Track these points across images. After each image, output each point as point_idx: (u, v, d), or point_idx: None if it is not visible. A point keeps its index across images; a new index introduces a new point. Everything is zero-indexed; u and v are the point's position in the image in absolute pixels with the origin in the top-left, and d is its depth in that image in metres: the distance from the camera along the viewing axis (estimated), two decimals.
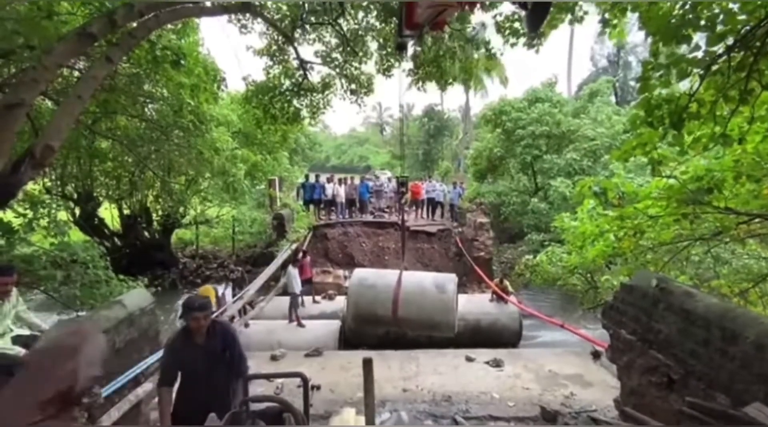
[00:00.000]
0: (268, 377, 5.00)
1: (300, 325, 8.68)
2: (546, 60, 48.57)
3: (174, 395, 2.94)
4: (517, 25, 7.07)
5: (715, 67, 3.20)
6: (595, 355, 6.76)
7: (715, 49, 3.16)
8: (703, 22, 3.19)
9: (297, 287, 8.95)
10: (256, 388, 5.47)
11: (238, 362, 2.97)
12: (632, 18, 4.94)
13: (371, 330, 8.44)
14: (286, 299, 10.26)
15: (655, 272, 4.82)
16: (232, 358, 2.92)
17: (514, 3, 2.37)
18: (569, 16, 6.39)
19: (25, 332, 3.31)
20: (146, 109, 9.93)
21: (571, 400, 5.60)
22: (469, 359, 7.09)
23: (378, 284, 8.52)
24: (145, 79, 8.55)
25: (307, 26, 8.65)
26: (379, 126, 56.26)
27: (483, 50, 8.24)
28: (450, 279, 9.09)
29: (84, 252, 7.22)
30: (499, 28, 7.36)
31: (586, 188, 5.71)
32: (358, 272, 8.93)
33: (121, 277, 7.69)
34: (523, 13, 2.31)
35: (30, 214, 6.61)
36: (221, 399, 2.83)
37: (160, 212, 15.94)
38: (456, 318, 8.41)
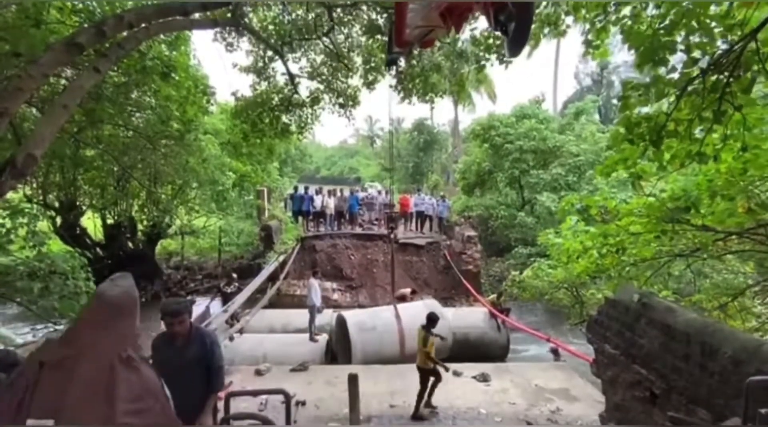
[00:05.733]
0: (250, 394, 4.89)
1: (313, 340, 8.53)
2: (532, 77, 49.81)
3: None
4: (491, 41, 7.26)
5: (690, 89, 3.33)
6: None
7: (690, 71, 3.31)
8: (679, 46, 3.34)
9: (317, 299, 8.78)
10: (240, 403, 5.35)
11: (214, 375, 2.86)
12: (614, 40, 5.13)
13: None
14: (272, 312, 10.09)
15: (639, 287, 4.90)
16: (208, 369, 2.83)
17: (496, 30, 2.45)
18: (553, 29, 6.60)
19: None
20: (133, 119, 9.84)
21: (557, 415, 5.60)
22: (456, 374, 7.05)
23: (378, 326, 8.56)
24: (134, 89, 8.50)
25: (294, 43, 8.74)
26: (369, 138, 56.59)
27: (473, 63, 8.40)
28: (437, 305, 9.39)
29: (64, 263, 7.05)
30: (475, 42, 7.55)
31: (569, 205, 5.81)
32: (349, 317, 8.86)
33: None
34: (502, 35, 2.38)
35: (9, 223, 6.43)
36: (192, 407, 2.76)
37: (145, 222, 15.67)
38: (452, 337, 8.55)
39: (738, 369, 2.71)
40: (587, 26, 5.02)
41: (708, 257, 5.42)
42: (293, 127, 9.93)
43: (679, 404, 3.19)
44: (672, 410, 3.17)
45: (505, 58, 7.12)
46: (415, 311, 9.12)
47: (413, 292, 11.19)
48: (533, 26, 6.33)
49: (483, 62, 7.69)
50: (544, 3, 6.07)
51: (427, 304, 9.77)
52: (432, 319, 5.73)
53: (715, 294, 6.26)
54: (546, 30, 6.47)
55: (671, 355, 3.31)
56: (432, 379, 5.59)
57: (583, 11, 5.08)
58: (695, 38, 3.26)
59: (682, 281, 7.69)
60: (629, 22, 3.96)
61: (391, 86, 8.70)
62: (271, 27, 8.40)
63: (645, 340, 3.64)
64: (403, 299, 11.32)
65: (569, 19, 6.33)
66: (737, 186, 4.02)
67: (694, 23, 3.29)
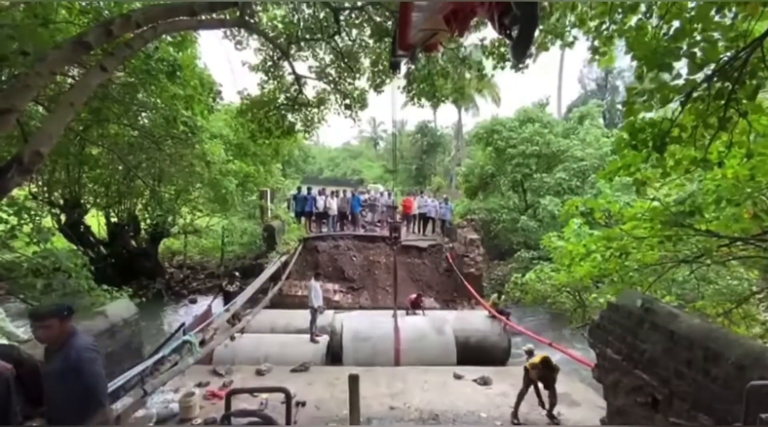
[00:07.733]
0: (252, 391, 4.90)
1: (314, 340, 8.53)
2: (537, 81, 49.78)
3: None
4: (503, 49, 7.27)
5: (695, 95, 3.32)
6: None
7: (695, 77, 3.30)
8: (684, 51, 3.33)
9: (317, 300, 8.82)
10: (240, 403, 5.35)
11: (85, 393, 2.39)
12: (620, 44, 5.12)
13: None
14: (274, 312, 10.09)
15: (642, 293, 4.88)
16: (79, 386, 2.38)
17: (500, 34, 2.45)
18: (559, 41, 6.60)
19: (3, 341, 3.21)
20: (139, 119, 9.87)
21: (558, 419, 5.57)
22: (457, 377, 7.04)
23: (374, 337, 8.56)
24: (140, 89, 8.55)
25: (302, 43, 8.77)
26: (372, 140, 56.66)
27: (475, 71, 8.44)
28: (446, 321, 9.38)
29: (67, 260, 7.07)
30: (485, 52, 7.57)
31: (573, 208, 5.79)
32: (347, 324, 8.86)
33: (105, 287, 7.53)
34: (508, 41, 2.38)
35: (14, 220, 6.47)
36: (57, 421, 2.48)
37: (148, 221, 15.73)
38: (455, 355, 8.55)
39: (741, 375, 2.69)
40: (592, 36, 5.03)
41: (712, 263, 5.39)
42: (299, 126, 9.94)
43: (681, 409, 3.18)
44: (674, 416, 3.16)
45: (519, 66, 7.11)
46: (416, 325, 9.14)
47: (419, 296, 11.12)
48: (540, 36, 6.34)
49: (492, 69, 7.67)
50: (551, 13, 6.04)
51: (432, 317, 9.86)
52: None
53: (720, 300, 6.22)
54: (550, 40, 6.46)
55: (674, 360, 3.30)
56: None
57: (590, 23, 5.09)
58: (699, 47, 3.25)
59: (685, 287, 7.64)
60: (633, 33, 3.94)
61: (399, 88, 8.73)
62: (280, 26, 8.42)
63: (647, 345, 3.63)
64: (414, 304, 11.12)
65: (575, 31, 6.31)
66: (743, 192, 3.99)
67: (697, 35, 3.28)
